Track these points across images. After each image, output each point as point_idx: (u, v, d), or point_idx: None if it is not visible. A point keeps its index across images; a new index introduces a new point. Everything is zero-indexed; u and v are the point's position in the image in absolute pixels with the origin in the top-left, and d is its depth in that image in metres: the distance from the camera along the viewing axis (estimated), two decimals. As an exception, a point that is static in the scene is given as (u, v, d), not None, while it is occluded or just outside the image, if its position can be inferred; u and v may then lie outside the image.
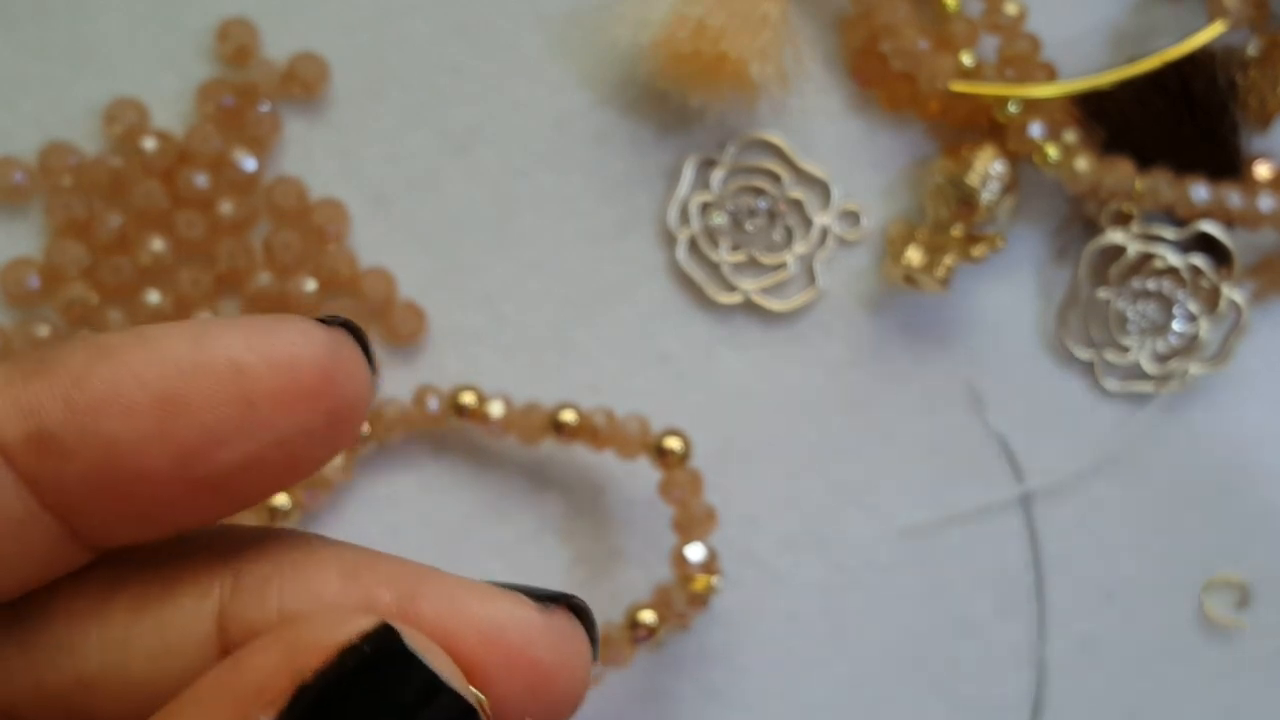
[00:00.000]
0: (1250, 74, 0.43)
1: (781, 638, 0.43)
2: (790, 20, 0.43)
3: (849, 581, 0.43)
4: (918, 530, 0.43)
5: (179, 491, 0.21)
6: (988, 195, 0.42)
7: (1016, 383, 0.44)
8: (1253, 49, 0.43)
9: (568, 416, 0.41)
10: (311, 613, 0.21)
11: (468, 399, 0.41)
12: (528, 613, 0.22)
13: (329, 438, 0.21)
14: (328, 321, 0.22)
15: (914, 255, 0.42)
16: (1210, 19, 0.43)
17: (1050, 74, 0.43)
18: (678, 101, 0.43)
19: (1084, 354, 0.44)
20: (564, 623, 0.22)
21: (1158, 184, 0.43)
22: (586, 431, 0.41)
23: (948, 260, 0.42)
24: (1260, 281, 0.44)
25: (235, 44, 0.42)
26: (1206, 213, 0.43)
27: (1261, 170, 0.43)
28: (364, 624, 0.20)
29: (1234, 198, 0.43)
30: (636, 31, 0.42)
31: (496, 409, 0.41)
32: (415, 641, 0.20)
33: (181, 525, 0.22)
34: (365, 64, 0.43)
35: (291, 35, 0.43)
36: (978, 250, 0.42)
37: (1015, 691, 0.43)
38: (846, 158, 0.44)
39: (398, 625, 0.20)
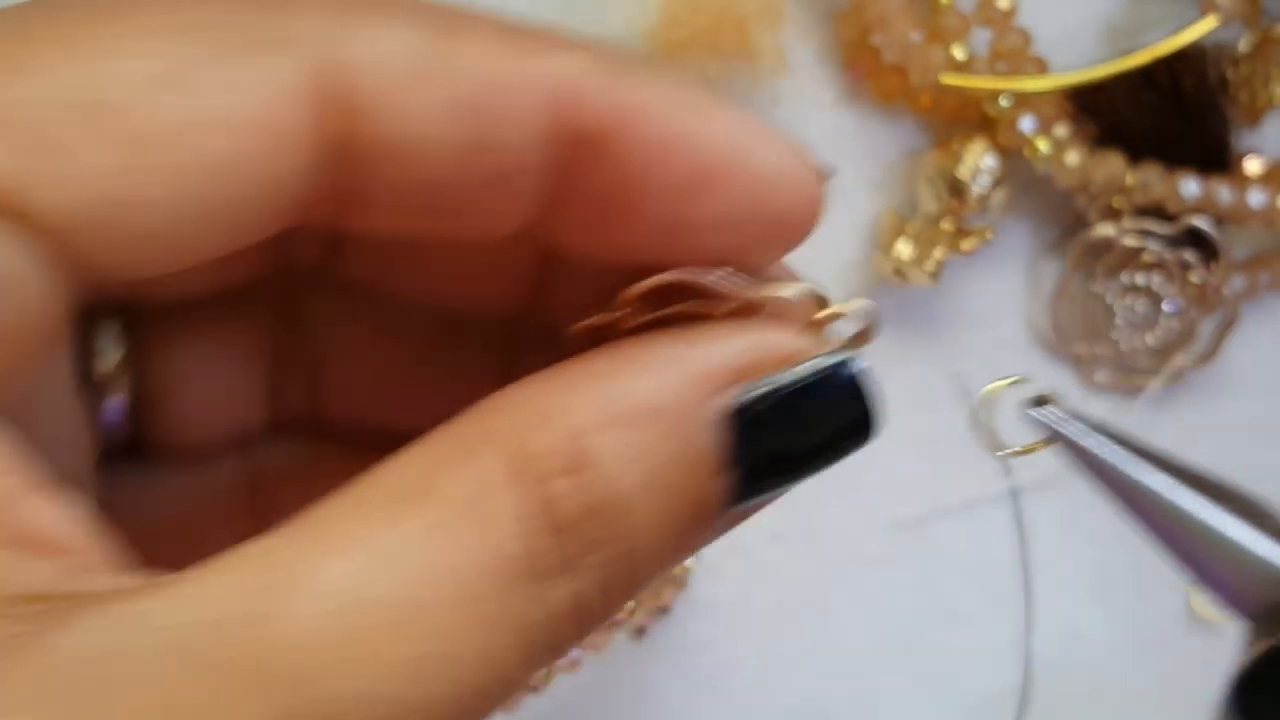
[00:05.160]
0: (1241, 69, 0.43)
1: (769, 629, 0.43)
2: (785, 6, 0.42)
3: (836, 574, 0.43)
4: (906, 523, 0.43)
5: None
6: (978, 189, 0.42)
7: (1005, 376, 0.44)
8: (1244, 44, 0.43)
9: None
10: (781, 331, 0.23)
11: None
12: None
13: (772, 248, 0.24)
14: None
15: (904, 248, 0.42)
16: (1202, 14, 0.43)
17: (1041, 68, 0.43)
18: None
19: (1073, 348, 0.44)
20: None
21: (1148, 178, 0.43)
22: None
23: (937, 253, 0.42)
24: (1250, 276, 0.44)
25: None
26: (1196, 208, 0.43)
27: (1251, 165, 0.44)
28: (823, 352, 0.22)
29: (1224, 193, 0.43)
30: (630, 16, 0.42)
31: None
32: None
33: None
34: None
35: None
36: (967, 243, 0.43)
37: (1002, 684, 0.43)
38: (838, 149, 0.44)
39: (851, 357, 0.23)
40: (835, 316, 0.24)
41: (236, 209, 0.20)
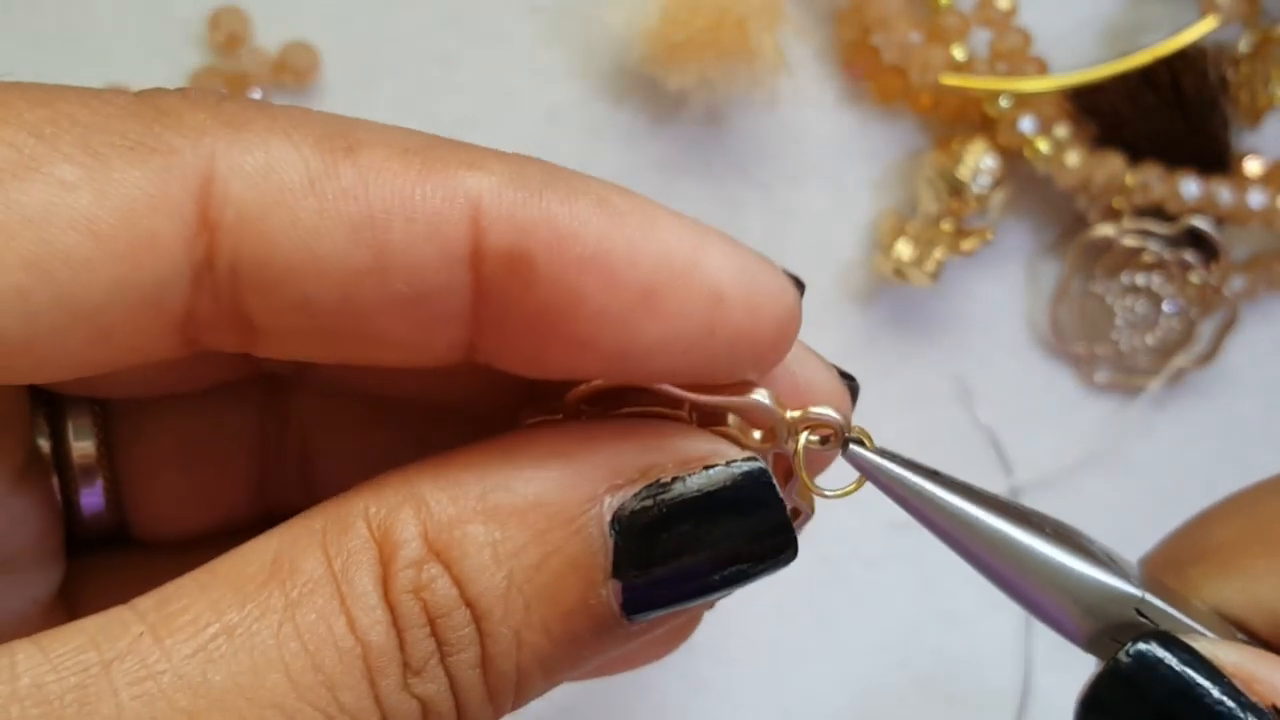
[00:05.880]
0: (1241, 70, 0.43)
1: (768, 630, 0.43)
2: (785, 6, 0.42)
3: (836, 574, 0.43)
4: (905, 524, 0.43)
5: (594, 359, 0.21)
6: (978, 189, 0.42)
7: (1005, 377, 0.44)
8: (1244, 45, 0.43)
9: None
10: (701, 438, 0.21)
11: None
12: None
13: (728, 372, 0.22)
14: (794, 280, 0.22)
15: (904, 249, 0.42)
16: (1201, 15, 0.43)
17: (1041, 68, 0.43)
18: (670, 91, 0.43)
19: (1073, 348, 0.44)
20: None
21: (1148, 179, 0.43)
22: None
23: (937, 254, 0.42)
24: (1250, 277, 0.44)
25: (226, 32, 0.42)
26: (1196, 208, 0.43)
27: (1251, 166, 0.44)
28: (740, 458, 0.21)
29: (1224, 193, 0.43)
30: (630, 17, 0.42)
31: None
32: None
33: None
34: (356, 53, 0.43)
35: (283, 24, 0.43)
36: (968, 244, 0.43)
37: (1002, 685, 0.43)
38: (838, 150, 0.44)
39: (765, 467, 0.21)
40: (799, 424, 0.22)
41: (102, 314, 0.19)
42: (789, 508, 0.22)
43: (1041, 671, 0.43)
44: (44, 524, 0.25)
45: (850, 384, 0.24)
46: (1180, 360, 0.44)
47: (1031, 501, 0.44)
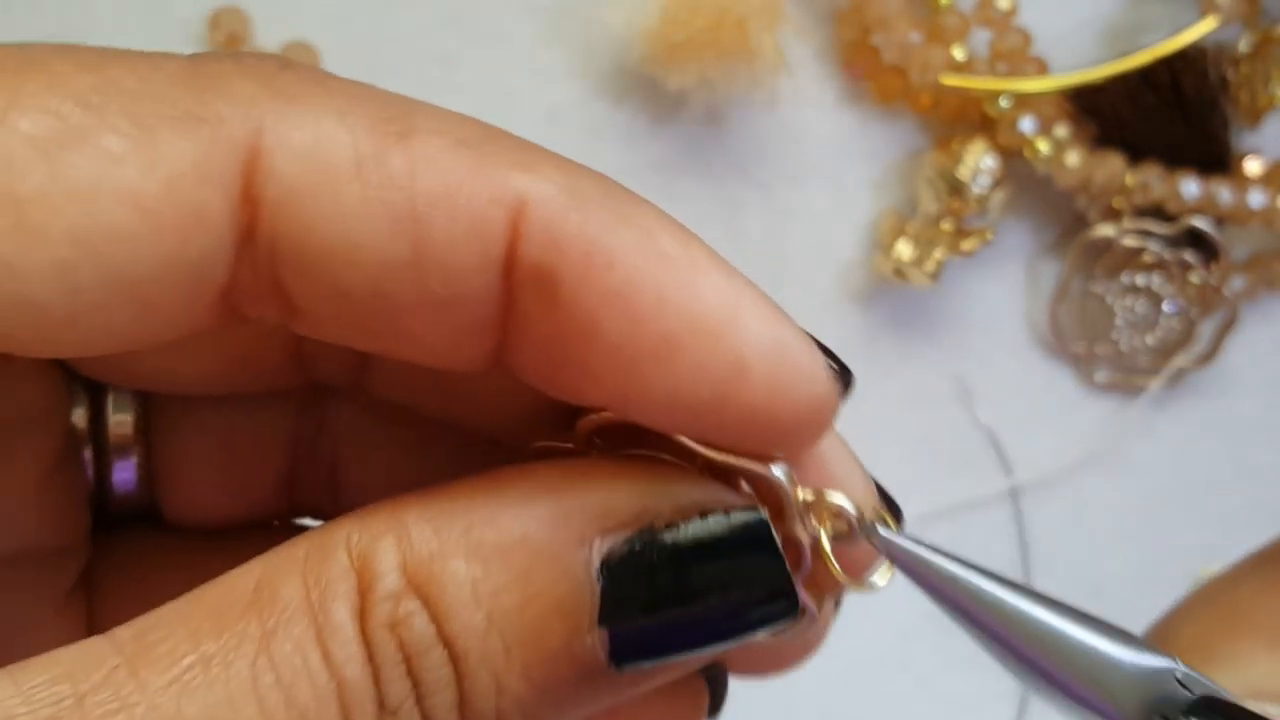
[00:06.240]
0: (1241, 70, 0.43)
1: (769, 630, 0.43)
2: (785, 6, 0.42)
3: (837, 574, 0.43)
4: (905, 523, 0.43)
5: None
6: (978, 189, 0.42)
7: (1005, 377, 0.44)
8: (1244, 45, 0.43)
9: None
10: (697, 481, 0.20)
11: None
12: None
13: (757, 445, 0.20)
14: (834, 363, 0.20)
15: (904, 248, 0.42)
16: (1201, 15, 0.43)
17: (1041, 68, 0.43)
18: (670, 91, 0.43)
19: (1073, 348, 0.44)
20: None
21: (1148, 179, 0.43)
22: None
23: (937, 254, 0.42)
24: (1250, 277, 0.44)
25: (226, 32, 0.42)
26: (1196, 208, 0.43)
27: (1252, 166, 0.44)
28: (740, 506, 0.20)
29: (1224, 193, 0.43)
30: (630, 17, 0.42)
31: None
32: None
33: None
34: (356, 53, 0.43)
35: (283, 24, 0.43)
36: (968, 244, 0.43)
37: (1002, 687, 0.43)
38: (838, 150, 0.44)
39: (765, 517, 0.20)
40: (811, 508, 0.21)
41: (146, 288, 0.19)
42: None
43: (1041, 671, 0.43)
44: (75, 509, 0.25)
45: (844, 377, 0.22)
46: (1180, 360, 0.44)
47: (1032, 501, 0.44)
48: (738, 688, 0.43)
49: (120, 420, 0.25)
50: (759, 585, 0.20)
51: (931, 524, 0.43)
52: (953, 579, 0.22)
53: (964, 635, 0.40)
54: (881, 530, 0.21)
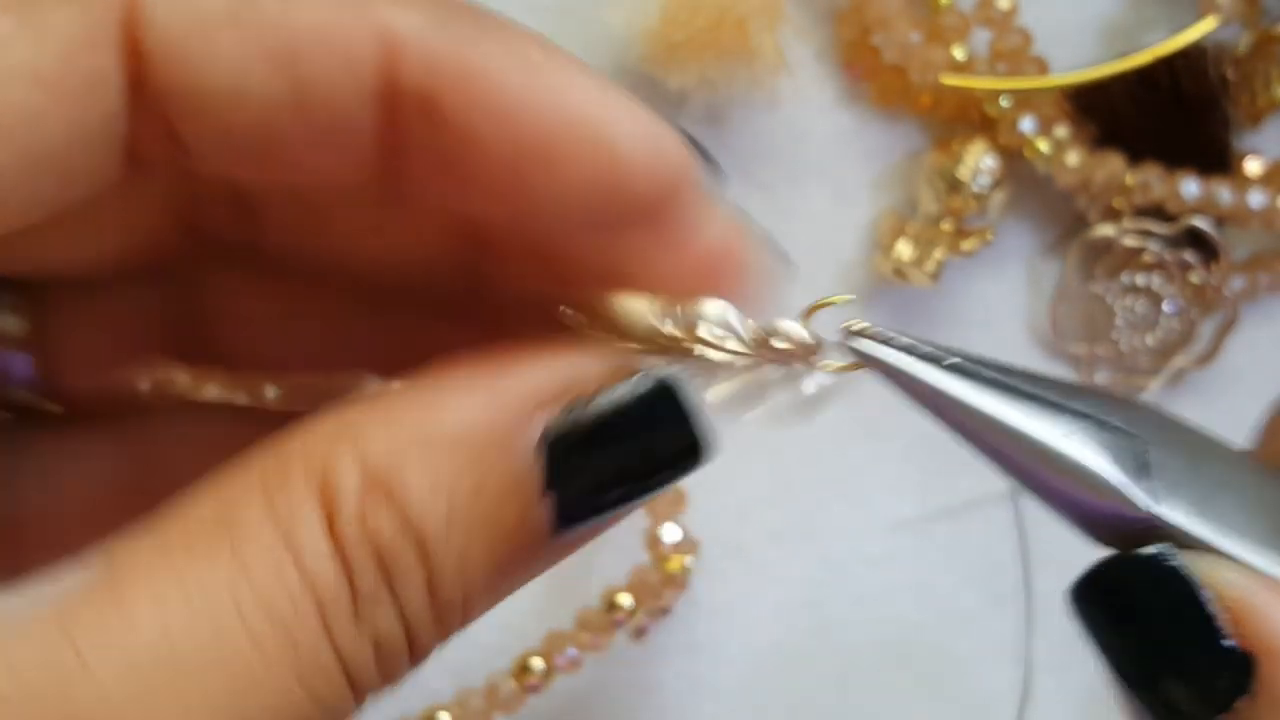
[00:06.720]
0: (1241, 70, 0.43)
1: (768, 629, 0.43)
2: (785, 6, 0.42)
3: (836, 574, 0.43)
4: (906, 524, 0.43)
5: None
6: (978, 189, 0.42)
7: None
8: (1244, 45, 0.43)
9: None
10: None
11: None
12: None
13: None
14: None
15: (904, 249, 0.42)
16: (1201, 15, 0.43)
17: (1042, 68, 0.43)
18: (670, 91, 0.43)
19: (1073, 348, 0.44)
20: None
21: (1148, 179, 0.43)
22: None
23: (938, 254, 0.42)
24: (1250, 277, 0.44)
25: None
26: (1196, 208, 0.43)
27: (1252, 166, 0.44)
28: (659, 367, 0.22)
29: (1224, 193, 0.43)
30: (630, 17, 0.42)
31: None
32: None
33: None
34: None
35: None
36: (968, 244, 0.43)
37: (1002, 685, 0.43)
38: (838, 150, 0.44)
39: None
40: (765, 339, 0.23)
41: (59, 156, 0.20)
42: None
43: (1041, 672, 0.43)
44: None
45: (703, 152, 0.23)
46: (1180, 360, 0.44)
47: (1031, 502, 0.44)
48: (736, 688, 0.43)
49: (12, 319, 0.26)
50: (676, 437, 0.22)
51: (931, 524, 0.43)
52: (922, 386, 0.24)
53: (963, 630, 0.40)
54: (855, 344, 0.23)
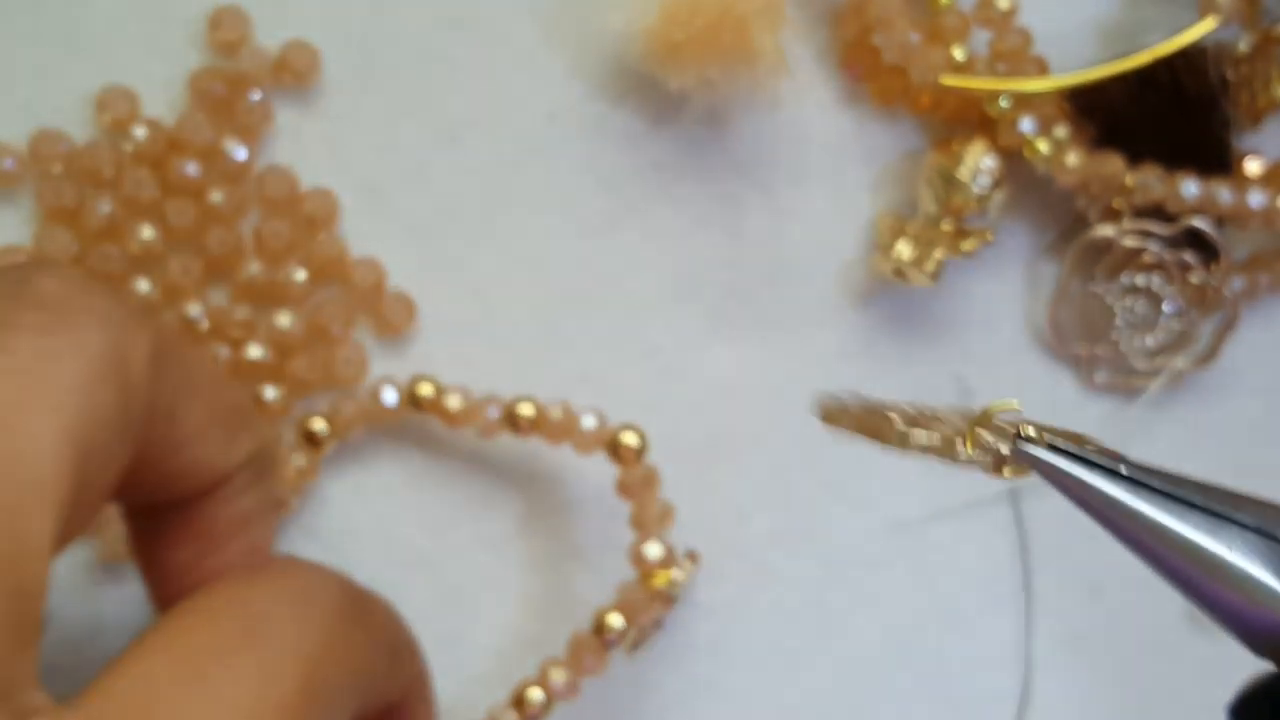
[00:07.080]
0: (1242, 70, 0.43)
1: (768, 631, 0.43)
2: (785, 6, 0.42)
3: (836, 576, 0.43)
4: (905, 525, 0.43)
5: None
6: (978, 189, 0.42)
7: (1005, 377, 0.44)
8: (1244, 45, 0.44)
9: (524, 410, 0.40)
10: None
11: (425, 390, 0.40)
12: None
13: None
14: None
15: (903, 249, 0.42)
16: (1201, 14, 0.43)
17: (1042, 68, 0.43)
18: (670, 91, 0.43)
19: (1073, 349, 0.44)
20: None
21: (1148, 179, 0.43)
22: (543, 425, 0.40)
23: (937, 254, 0.42)
24: (1250, 277, 0.44)
25: (227, 32, 0.42)
26: (1197, 208, 0.43)
27: (1252, 166, 0.44)
28: None
29: (1224, 194, 0.43)
30: (630, 17, 0.42)
31: (454, 401, 0.40)
32: None
33: None
34: (357, 53, 0.43)
35: (283, 24, 0.43)
36: (967, 244, 0.43)
37: (1002, 687, 0.43)
38: (838, 150, 0.44)
39: None
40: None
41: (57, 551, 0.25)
42: None
43: (1041, 672, 0.43)
44: None
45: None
46: (1180, 361, 0.44)
47: (1032, 501, 0.44)
48: (736, 688, 0.43)
49: None
50: None
51: (931, 525, 0.43)
52: (1096, 494, 0.25)
53: (964, 631, 0.40)
54: (1027, 447, 0.24)
